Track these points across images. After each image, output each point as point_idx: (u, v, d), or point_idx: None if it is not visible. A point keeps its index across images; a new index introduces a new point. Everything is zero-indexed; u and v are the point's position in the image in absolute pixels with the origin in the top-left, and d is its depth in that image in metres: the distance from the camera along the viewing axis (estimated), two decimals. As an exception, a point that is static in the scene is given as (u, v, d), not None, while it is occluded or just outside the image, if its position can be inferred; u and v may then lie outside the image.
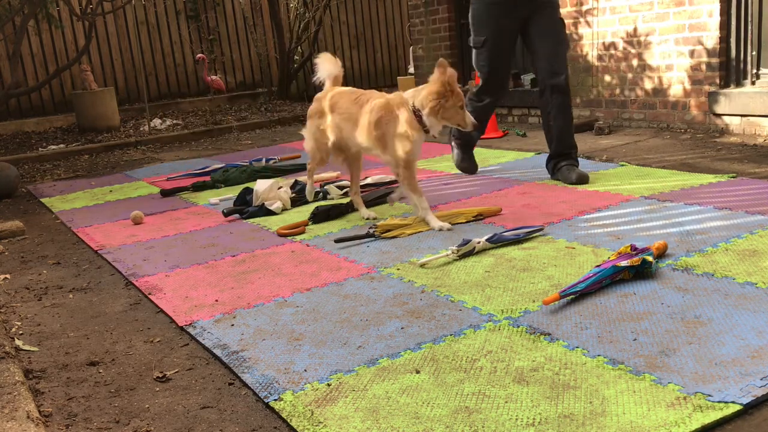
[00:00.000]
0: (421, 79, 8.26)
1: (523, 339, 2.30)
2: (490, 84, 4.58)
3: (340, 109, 3.84)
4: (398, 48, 13.17)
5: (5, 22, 7.67)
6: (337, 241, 3.54)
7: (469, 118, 3.67)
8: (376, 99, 3.75)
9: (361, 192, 4.50)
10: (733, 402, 1.80)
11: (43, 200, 5.59)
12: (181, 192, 5.34)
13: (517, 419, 1.83)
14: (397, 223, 3.63)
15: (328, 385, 2.12)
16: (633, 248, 2.75)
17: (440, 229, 3.57)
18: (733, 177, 4.03)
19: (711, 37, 5.33)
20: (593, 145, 5.44)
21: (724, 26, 5.29)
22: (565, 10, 6.37)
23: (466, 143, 4.87)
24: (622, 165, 4.66)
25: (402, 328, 2.47)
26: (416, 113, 3.58)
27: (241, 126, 9.10)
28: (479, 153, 5.70)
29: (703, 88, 5.47)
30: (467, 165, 4.92)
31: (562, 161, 4.40)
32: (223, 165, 5.97)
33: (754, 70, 5.29)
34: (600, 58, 6.18)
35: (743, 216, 3.30)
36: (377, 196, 4.31)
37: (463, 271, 2.98)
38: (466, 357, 2.21)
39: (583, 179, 4.26)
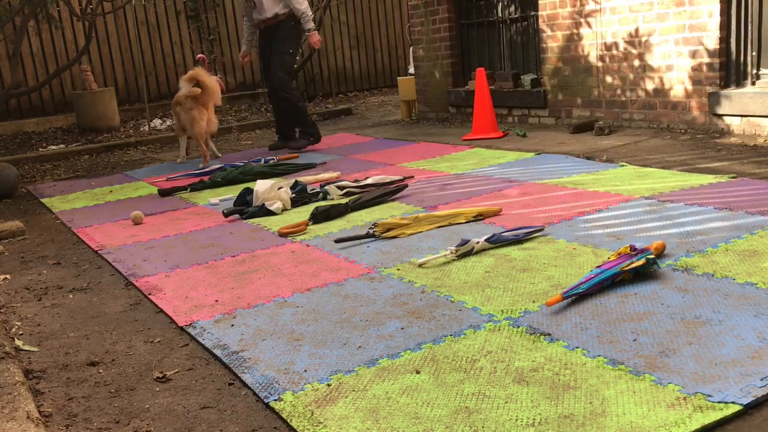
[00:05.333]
0: (421, 79, 8.26)
1: (523, 339, 2.30)
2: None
3: None
4: (398, 48, 13.17)
5: (5, 23, 7.67)
6: (337, 241, 3.54)
7: None
8: None
9: (361, 192, 4.51)
10: (733, 402, 1.80)
11: (43, 200, 5.60)
12: (179, 192, 5.34)
13: (517, 419, 1.83)
14: (397, 222, 3.63)
15: (328, 385, 2.12)
16: (632, 248, 2.75)
17: None
18: (734, 177, 4.03)
19: (711, 38, 5.33)
20: (593, 146, 5.44)
21: (725, 26, 5.29)
22: (566, 10, 6.38)
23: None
24: (623, 165, 4.66)
25: (402, 328, 2.47)
26: None
27: (241, 126, 9.09)
28: (480, 152, 5.71)
29: (704, 88, 5.47)
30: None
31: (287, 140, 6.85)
32: (223, 165, 5.97)
33: (755, 71, 5.29)
34: (600, 58, 6.19)
35: (743, 216, 3.30)
36: (376, 195, 4.31)
37: (463, 271, 2.98)
38: (466, 357, 2.21)
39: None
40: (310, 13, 6.63)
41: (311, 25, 6.67)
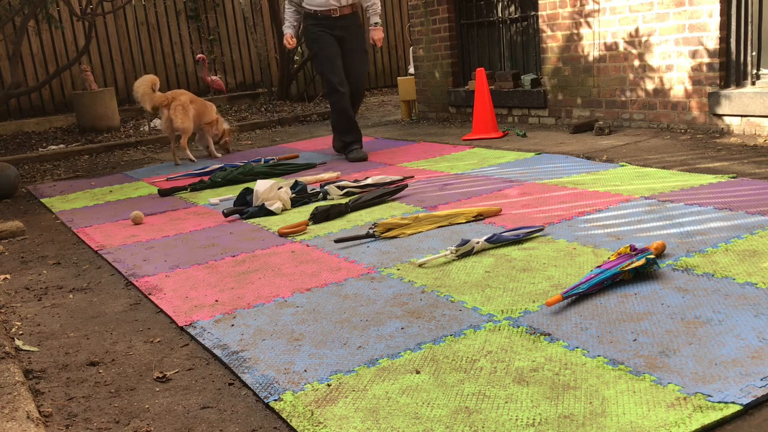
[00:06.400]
0: (421, 79, 8.26)
1: (523, 339, 2.30)
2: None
3: None
4: (398, 48, 13.17)
5: (5, 22, 7.67)
6: (337, 241, 3.54)
7: None
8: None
9: (361, 192, 4.51)
10: (733, 402, 1.80)
11: (43, 200, 5.60)
12: (179, 192, 5.35)
13: (517, 419, 1.83)
14: (397, 222, 3.63)
15: (328, 385, 2.12)
16: (632, 248, 2.75)
17: None
18: (733, 177, 4.03)
19: (711, 38, 5.33)
20: (593, 146, 5.44)
21: (725, 26, 5.29)
22: (566, 10, 6.38)
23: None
24: (623, 165, 4.66)
25: (402, 328, 2.47)
26: None
27: (241, 126, 9.10)
28: (480, 152, 5.71)
29: (704, 88, 5.47)
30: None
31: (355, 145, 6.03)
32: (223, 165, 5.97)
33: (755, 71, 5.28)
34: (600, 58, 6.19)
35: (743, 216, 3.30)
36: (376, 195, 4.31)
37: (463, 271, 2.98)
38: (466, 357, 2.21)
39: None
40: (379, 4, 6.05)
41: (378, 18, 6.01)
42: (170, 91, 6.94)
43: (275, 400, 2.06)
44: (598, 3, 6.09)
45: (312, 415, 1.96)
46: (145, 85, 6.62)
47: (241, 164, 5.84)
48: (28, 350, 2.64)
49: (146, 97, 6.65)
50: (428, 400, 1.98)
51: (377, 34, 5.98)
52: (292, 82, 11.46)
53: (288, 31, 6.04)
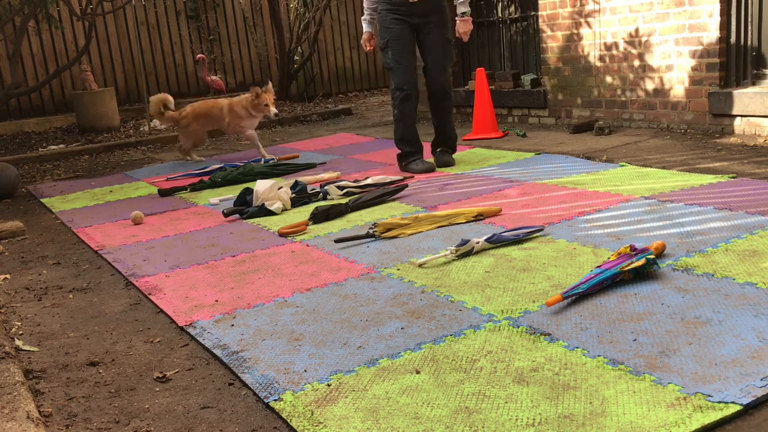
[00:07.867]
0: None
1: (523, 339, 2.30)
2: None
3: None
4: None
5: (5, 22, 7.67)
6: (337, 241, 3.54)
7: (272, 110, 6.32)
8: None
9: (361, 192, 4.51)
10: (733, 402, 1.81)
11: (43, 200, 5.59)
12: (179, 192, 5.35)
13: (517, 419, 1.83)
14: (397, 222, 3.63)
15: (328, 385, 2.12)
16: (632, 248, 2.75)
17: None
18: (733, 177, 4.03)
19: (711, 38, 5.33)
20: (593, 146, 5.44)
21: (724, 26, 5.29)
22: (566, 10, 6.38)
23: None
24: (623, 165, 4.66)
25: (402, 328, 2.47)
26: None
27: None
28: (480, 153, 5.71)
29: (703, 88, 5.47)
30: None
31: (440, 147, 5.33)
32: (223, 165, 5.97)
33: (754, 71, 5.29)
34: (600, 58, 6.19)
35: (743, 216, 3.30)
36: (376, 195, 4.31)
37: (463, 271, 2.98)
38: (466, 357, 2.21)
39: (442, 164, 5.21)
40: None
41: (468, 7, 5.06)
42: (186, 106, 6.93)
43: (275, 400, 2.06)
44: (598, 3, 6.09)
45: (312, 415, 1.96)
46: (155, 108, 6.86)
47: (241, 164, 5.84)
48: (28, 350, 2.64)
49: (159, 119, 7.07)
50: (428, 400, 1.98)
51: (463, 27, 5.06)
52: (292, 82, 11.46)
53: (368, 29, 5.21)
